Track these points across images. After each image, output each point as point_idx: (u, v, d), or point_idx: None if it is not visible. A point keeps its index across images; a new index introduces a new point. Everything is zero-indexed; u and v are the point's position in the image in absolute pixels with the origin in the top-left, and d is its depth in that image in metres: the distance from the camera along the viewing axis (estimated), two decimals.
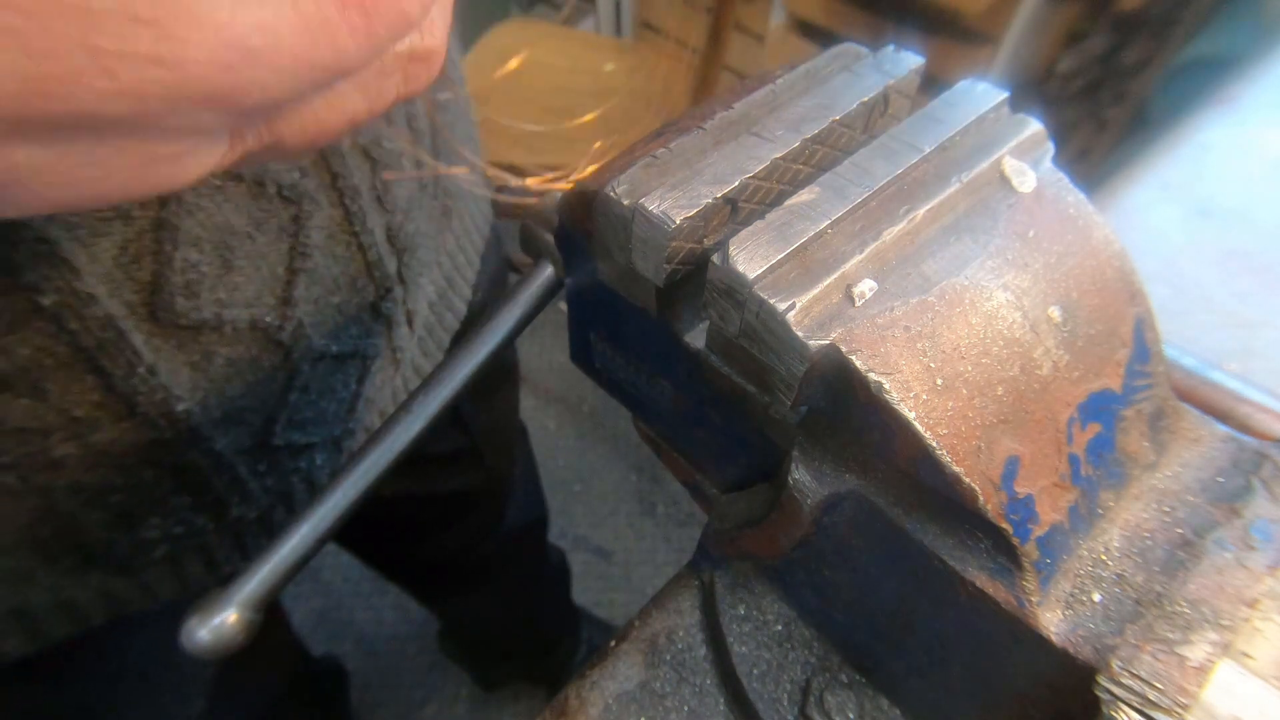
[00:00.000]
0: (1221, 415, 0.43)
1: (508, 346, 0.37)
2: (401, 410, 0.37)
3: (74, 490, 0.37)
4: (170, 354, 0.37)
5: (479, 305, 0.60)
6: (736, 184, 0.25)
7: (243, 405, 0.42)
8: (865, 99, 0.28)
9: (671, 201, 0.24)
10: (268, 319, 0.41)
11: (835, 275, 0.23)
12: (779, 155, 0.26)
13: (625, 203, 0.25)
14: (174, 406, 0.38)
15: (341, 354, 0.46)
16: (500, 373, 0.78)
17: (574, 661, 1.29)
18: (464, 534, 0.87)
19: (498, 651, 1.23)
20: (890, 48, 0.30)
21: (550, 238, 0.35)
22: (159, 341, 0.36)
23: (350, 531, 0.37)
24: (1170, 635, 0.22)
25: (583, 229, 0.30)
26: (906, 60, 0.29)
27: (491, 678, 1.33)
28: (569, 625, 1.28)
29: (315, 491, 0.48)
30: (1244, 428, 0.44)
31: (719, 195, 0.24)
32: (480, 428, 0.76)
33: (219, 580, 0.44)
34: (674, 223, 0.24)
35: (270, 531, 0.49)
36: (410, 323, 0.51)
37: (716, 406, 0.30)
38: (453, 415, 0.71)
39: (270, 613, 0.30)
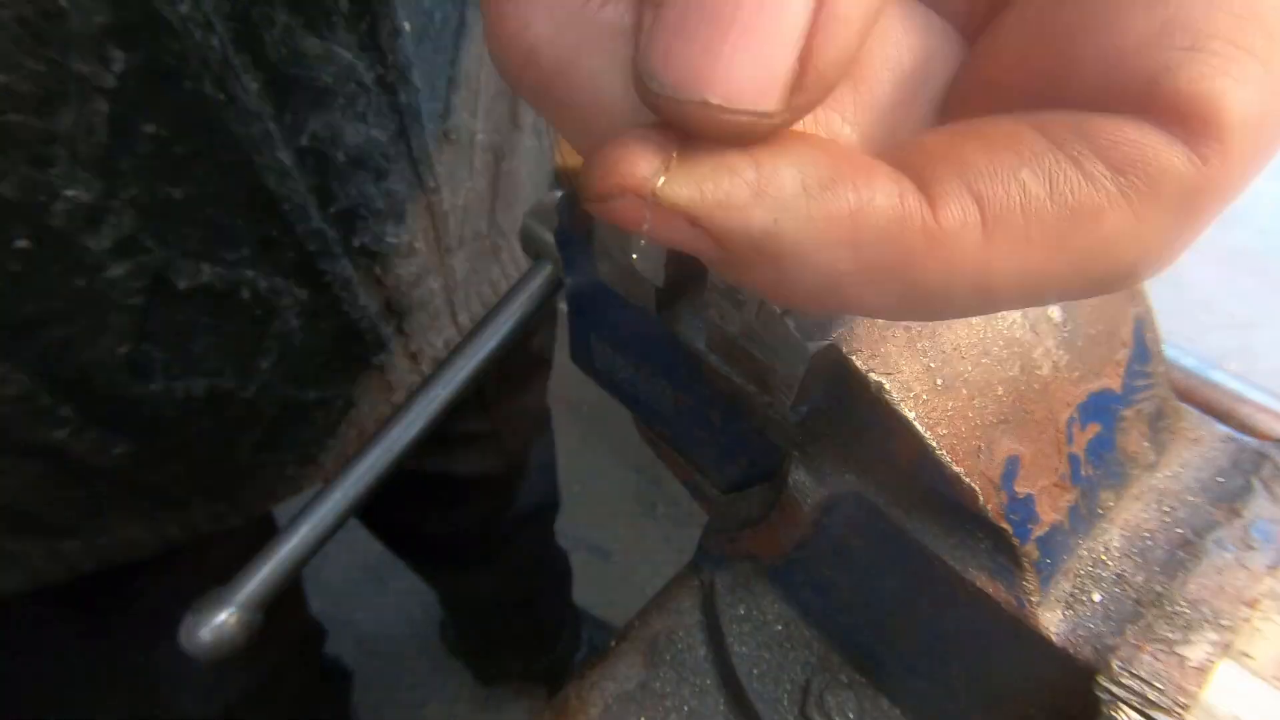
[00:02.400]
0: (1221, 415, 0.43)
1: (506, 347, 0.37)
2: (399, 414, 0.37)
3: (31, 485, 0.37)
4: (113, 413, 0.37)
5: None
6: None
7: (192, 441, 0.42)
8: None
9: None
10: (228, 384, 0.40)
11: None
12: None
13: None
14: (111, 449, 0.38)
15: (319, 399, 0.46)
16: (531, 363, 0.78)
17: (573, 661, 1.29)
18: (475, 513, 0.87)
19: (498, 641, 1.23)
20: None
21: (550, 237, 0.35)
22: (90, 406, 0.36)
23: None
24: (1170, 635, 0.22)
25: (583, 229, 0.30)
26: None
27: (491, 671, 1.33)
28: (569, 621, 1.28)
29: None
30: (1244, 428, 0.44)
31: None
32: (505, 414, 0.77)
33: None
34: None
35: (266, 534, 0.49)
36: (416, 358, 0.51)
37: (716, 406, 0.30)
38: (478, 399, 0.71)
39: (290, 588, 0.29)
